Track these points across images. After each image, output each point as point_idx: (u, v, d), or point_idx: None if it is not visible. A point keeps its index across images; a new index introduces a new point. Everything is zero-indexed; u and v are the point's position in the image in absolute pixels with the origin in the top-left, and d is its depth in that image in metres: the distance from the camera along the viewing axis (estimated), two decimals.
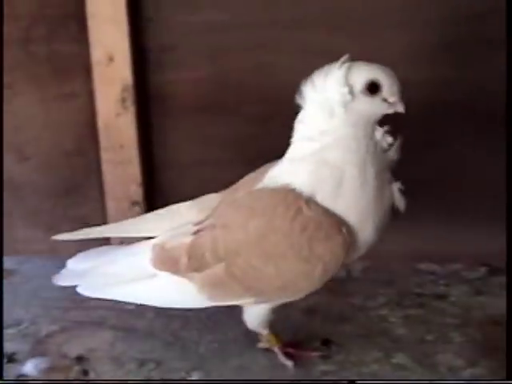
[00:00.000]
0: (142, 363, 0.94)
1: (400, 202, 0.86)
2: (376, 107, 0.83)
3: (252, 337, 0.97)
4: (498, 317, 1.02)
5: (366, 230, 0.83)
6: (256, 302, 0.90)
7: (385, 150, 0.85)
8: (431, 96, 1.16)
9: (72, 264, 1.00)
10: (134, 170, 1.28)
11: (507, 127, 1.08)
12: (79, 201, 1.35)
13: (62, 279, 0.98)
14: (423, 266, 1.21)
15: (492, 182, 1.18)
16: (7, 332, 1.03)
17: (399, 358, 0.92)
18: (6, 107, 1.28)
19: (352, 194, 0.82)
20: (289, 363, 0.95)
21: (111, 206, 1.31)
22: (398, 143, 0.86)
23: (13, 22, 1.25)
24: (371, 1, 1.16)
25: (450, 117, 1.18)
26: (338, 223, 0.81)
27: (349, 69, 0.82)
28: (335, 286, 0.99)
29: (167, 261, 0.90)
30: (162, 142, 1.30)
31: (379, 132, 0.84)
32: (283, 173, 0.86)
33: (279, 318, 0.94)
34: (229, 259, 0.86)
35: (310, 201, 0.82)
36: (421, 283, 1.15)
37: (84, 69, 1.25)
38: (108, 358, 0.96)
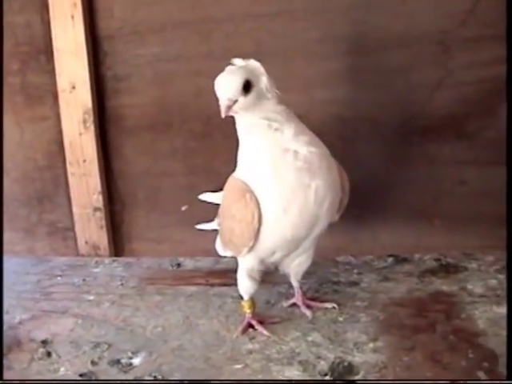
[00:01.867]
0: (96, 345, 0.94)
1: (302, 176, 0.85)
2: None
3: (190, 322, 0.99)
4: (399, 299, 1.01)
5: (270, 200, 0.85)
6: (233, 255, 0.96)
7: (279, 139, 0.85)
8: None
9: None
10: (95, 180, 1.30)
11: (508, 131, 1.07)
12: (50, 208, 1.37)
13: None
14: (340, 258, 1.20)
15: (395, 186, 1.22)
16: None
17: (314, 337, 0.92)
18: None
19: (254, 171, 0.87)
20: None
21: (77, 211, 1.33)
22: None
23: None
24: (289, 38, 1.18)
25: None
26: (245, 190, 0.87)
27: None
28: (264, 277, 0.97)
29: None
30: (118, 156, 1.32)
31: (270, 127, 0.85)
32: None
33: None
34: (219, 219, 1.01)
35: (235, 176, 0.92)
36: (337, 272, 1.14)
37: (52, 95, 1.29)
38: (68, 342, 0.96)
